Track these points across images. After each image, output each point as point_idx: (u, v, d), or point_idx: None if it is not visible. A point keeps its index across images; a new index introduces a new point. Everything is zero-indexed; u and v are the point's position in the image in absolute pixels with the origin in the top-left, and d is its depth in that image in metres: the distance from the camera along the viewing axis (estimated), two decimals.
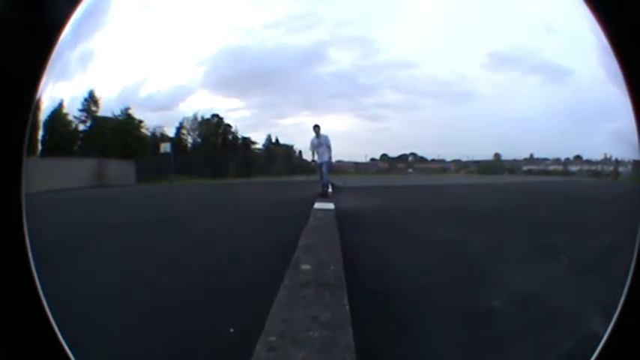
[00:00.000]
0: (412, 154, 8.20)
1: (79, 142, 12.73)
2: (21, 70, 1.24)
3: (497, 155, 7.61)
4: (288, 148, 8.52)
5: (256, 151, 9.20)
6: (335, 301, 3.30)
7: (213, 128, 11.12)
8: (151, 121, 11.59)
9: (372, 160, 10.37)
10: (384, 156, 9.85)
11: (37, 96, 1.27)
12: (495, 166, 7.75)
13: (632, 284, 1.24)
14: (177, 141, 11.54)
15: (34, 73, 1.26)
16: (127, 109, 12.16)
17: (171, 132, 11.93)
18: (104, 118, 12.01)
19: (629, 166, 6.29)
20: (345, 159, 9.24)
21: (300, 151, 7.98)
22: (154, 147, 12.01)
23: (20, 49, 1.23)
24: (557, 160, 8.28)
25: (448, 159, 7.83)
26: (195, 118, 11.71)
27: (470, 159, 7.78)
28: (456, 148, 7.75)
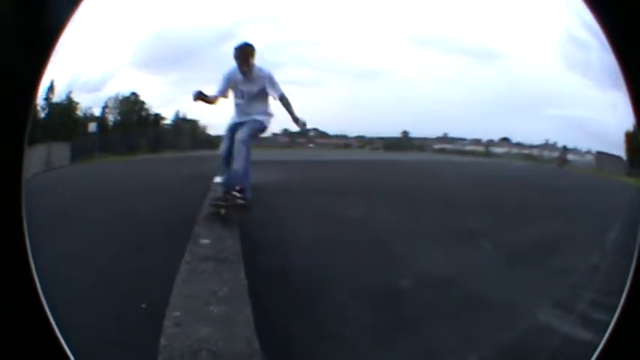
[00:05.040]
0: (314, 129, 8.20)
1: (39, 130, 12.30)
2: None
3: (405, 133, 7.69)
4: (194, 124, 8.42)
5: (165, 126, 9.08)
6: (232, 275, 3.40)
7: (131, 106, 10.84)
8: (85, 102, 11.31)
9: (274, 134, 10.26)
10: (285, 131, 9.76)
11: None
12: (402, 143, 7.81)
13: (632, 285, 1.32)
14: (102, 120, 11.26)
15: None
16: (70, 92, 11.73)
17: (99, 112, 11.77)
18: (56, 104, 11.57)
19: (589, 157, 6.50)
20: None
21: (205, 126, 7.86)
22: (84, 127, 11.84)
23: None
24: (476, 141, 8.19)
25: (351, 135, 7.86)
26: (117, 97, 11.39)
27: (375, 135, 7.83)
28: (361, 125, 7.81)
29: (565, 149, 6.92)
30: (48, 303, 1.40)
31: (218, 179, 5.29)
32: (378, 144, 7.76)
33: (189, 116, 7.55)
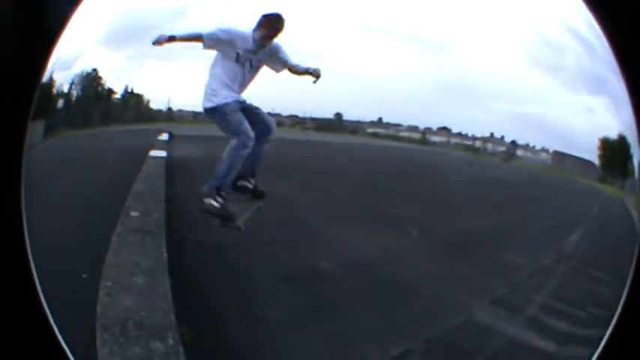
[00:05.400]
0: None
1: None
2: None
3: (338, 115, 7.66)
4: (139, 98, 8.39)
5: (115, 100, 9.06)
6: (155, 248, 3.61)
7: (91, 81, 10.75)
8: (59, 80, 11.19)
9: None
10: None
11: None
12: (335, 125, 7.79)
13: (632, 285, 1.35)
14: (68, 97, 11.14)
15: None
16: (52, 71, 11.52)
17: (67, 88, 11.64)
18: (44, 83, 11.42)
19: (544, 155, 6.32)
20: (186, 108, 8.72)
21: (148, 101, 7.78)
22: (54, 104, 11.70)
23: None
24: (413, 128, 7.76)
25: (284, 113, 7.73)
26: (82, 73, 11.25)
27: (307, 115, 7.75)
28: (295, 104, 7.71)
29: (514, 144, 6.61)
30: None
31: (152, 153, 5.02)
32: (311, 124, 7.62)
33: (136, 90, 7.54)
